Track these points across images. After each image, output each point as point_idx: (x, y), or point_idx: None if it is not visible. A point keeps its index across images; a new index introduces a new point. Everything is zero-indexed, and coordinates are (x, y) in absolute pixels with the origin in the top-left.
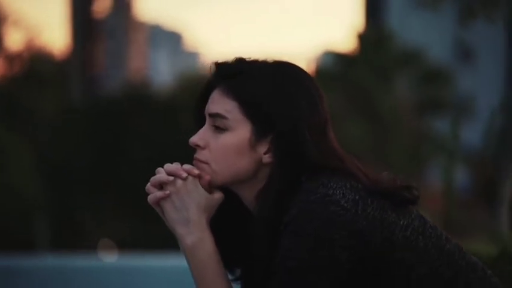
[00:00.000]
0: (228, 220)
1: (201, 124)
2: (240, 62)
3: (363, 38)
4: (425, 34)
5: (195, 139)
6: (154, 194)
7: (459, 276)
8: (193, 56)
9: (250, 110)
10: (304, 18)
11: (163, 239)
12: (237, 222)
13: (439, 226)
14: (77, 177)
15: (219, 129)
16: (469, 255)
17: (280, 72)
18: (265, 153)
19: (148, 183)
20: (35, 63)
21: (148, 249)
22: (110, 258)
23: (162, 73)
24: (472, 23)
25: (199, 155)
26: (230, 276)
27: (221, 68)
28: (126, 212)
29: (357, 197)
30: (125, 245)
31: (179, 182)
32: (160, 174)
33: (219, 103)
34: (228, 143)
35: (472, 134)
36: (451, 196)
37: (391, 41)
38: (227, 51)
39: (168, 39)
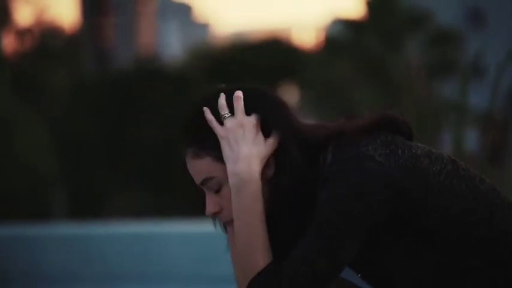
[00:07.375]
0: None
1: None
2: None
3: (371, 3)
4: None
5: (210, 210)
6: (213, 124)
7: (496, 214)
8: (203, 27)
9: None
10: None
11: (174, 208)
12: None
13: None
14: (90, 150)
15: (216, 188)
16: (504, 194)
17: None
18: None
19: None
20: (46, 37)
21: (160, 218)
22: (125, 226)
23: (172, 45)
24: None
25: (222, 217)
26: None
27: (183, 135)
28: (137, 183)
29: (387, 151)
30: (137, 214)
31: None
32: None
33: (197, 169)
34: None
35: (482, 96)
36: (460, 154)
37: (400, 4)
38: (237, 22)
39: (178, 11)
